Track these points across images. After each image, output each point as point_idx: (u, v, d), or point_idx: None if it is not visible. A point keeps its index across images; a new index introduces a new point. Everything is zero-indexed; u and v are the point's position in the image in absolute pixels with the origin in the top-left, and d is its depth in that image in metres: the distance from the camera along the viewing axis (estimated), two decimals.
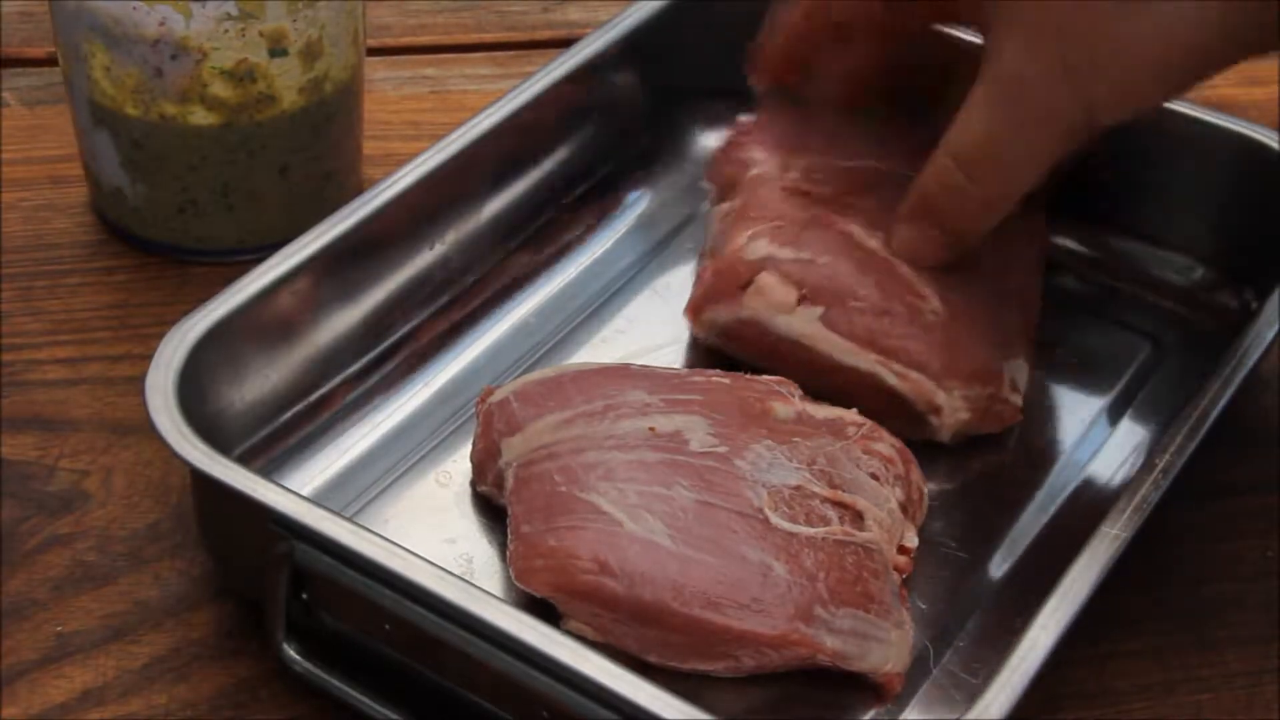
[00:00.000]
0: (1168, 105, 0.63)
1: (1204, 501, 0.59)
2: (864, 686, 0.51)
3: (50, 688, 0.51)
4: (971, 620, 0.53)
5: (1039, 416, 0.60)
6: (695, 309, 0.60)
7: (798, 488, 0.52)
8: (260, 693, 0.51)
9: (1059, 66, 0.51)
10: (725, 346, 0.60)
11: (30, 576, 0.54)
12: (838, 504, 0.52)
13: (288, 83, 0.61)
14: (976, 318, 0.58)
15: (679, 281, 0.64)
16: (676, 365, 0.61)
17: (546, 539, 0.50)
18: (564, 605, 0.50)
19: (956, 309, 0.58)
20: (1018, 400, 0.58)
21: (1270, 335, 0.57)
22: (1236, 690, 0.54)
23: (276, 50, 0.60)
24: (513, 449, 0.53)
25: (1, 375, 0.60)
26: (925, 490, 0.55)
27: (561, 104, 0.64)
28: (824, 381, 0.58)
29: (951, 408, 0.57)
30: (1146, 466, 0.51)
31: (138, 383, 0.50)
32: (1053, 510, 0.57)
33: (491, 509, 0.55)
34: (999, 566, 0.55)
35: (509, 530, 0.52)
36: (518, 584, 0.50)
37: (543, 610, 0.50)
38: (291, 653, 0.49)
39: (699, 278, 0.62)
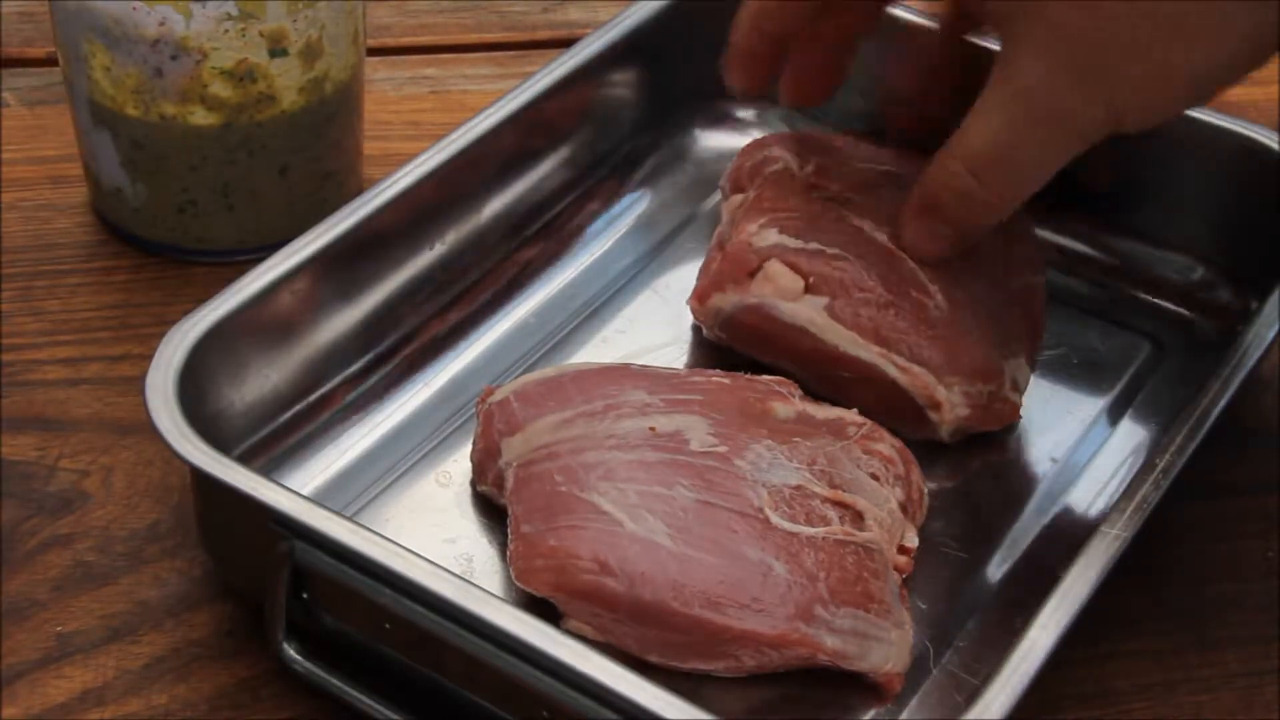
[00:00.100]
0: None
1: (1204, 501, 0.59)
2: (864, 686, 0.51)
3: (50, 688, 0.51)
4: (971, 620, 0.53)
5: (1039, 416, 0.60)
6: (702, 295, 0.60)
7: (798, 488, 0.52)
8: (260, 693, 0.51)
9: (1080, 76, 0.51)
10: (725, 339, 0.60)
11: (30, 577, 0.54)
12: (838, 504, 0.52)
13: (288, 83, 0.61)
14: (980, 315, 0.58)
15: (679, 281, 0.64)
16: (676, 365, 0.61)
17: (547, 539, 0.50)
18: (564, 605, 0.50)
19: (961, 306, 0.58)
20: (1018, 399, 0.58)
21: (1270, 335, 0.57)
22: (1237, 690, 0.54)
23: (276, 50, 0.60)
24: (513, 449, 0.53)
25: (1, 375, 0.60)
26: (925, 490, 0.55)
27: (561, 104, 0.64)
28: (825, 374, 0.58)
29: (951, 404, 0.57)
30: (1146, 466, 0.52)
31: (138, 383, 0.50)
32: (1053, 510, 0.57)
33: (492, 509, 0.55)
34: (999, 566, 0.55)
35: (509, 530, 0.52)
36: (518, 584, 0.50)
37: (543, 610, 0.50)
38: (291, 653, 0.49)
39: (705, 267, 0.62)
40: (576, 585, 0.49)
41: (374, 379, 0.59)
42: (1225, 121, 0.64)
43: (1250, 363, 0.55)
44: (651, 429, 0.53)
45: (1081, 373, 0.62)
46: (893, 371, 0.57)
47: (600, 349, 0.62)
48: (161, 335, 0.52)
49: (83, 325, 0.63)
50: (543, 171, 0.65)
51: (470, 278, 0.63)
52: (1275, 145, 0.63)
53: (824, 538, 0.51)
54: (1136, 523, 0.50)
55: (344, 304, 0.58)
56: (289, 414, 0.56)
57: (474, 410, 0.56)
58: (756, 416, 0.54)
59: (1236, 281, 0.65)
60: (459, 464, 0.56)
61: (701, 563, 0.49)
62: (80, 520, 0.56)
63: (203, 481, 0.50)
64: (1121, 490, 0.51)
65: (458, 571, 0.47)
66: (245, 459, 0.54)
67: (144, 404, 0.50)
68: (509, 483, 0.53)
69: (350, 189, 0.67)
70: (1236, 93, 0.76)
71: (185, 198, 0.64)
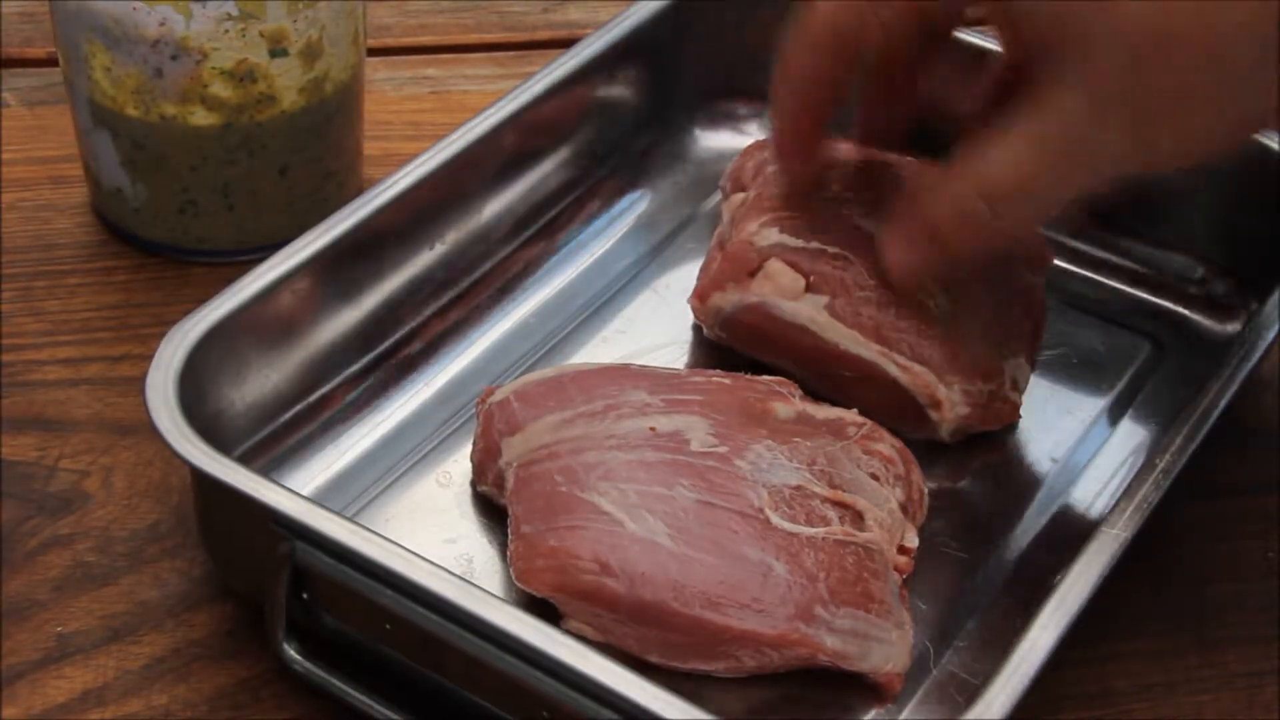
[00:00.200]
0: None
1: (1204, 501, 0.59)
2: (864, 686, 0.51)
3: (51, 688, 0.51)
4: (971, 620, 0.53)
5: (1039, 416, 0.60)
6: (702, 294, 0.60)
7: (798, 488, 0.52)
8: (261, 693, 0.51)
9: (1126, 120, 0.50)
10: (726, 339, 0.60)
11: (31, 577, 0.54)
12: (838, 504, 0.52)
13: (288, 83, 0.61)
14: (980, 314, 0.58)
15: (679, 281, 0.64)
16: (676, 365, 0.61)
17: (547, 539, 0.50)
18: (564, 605, 0.50)
19: (961, 305, 0.58)
20: (1018, 398, 0.59)
21: (1270, 335, 0.57)
22: (1237, 690, 0.54)
23: (277, 50, 0.60)
24: (513, 449, 0.53)
25: (2, 375, 0.60)
26: (925, 490, 0.55)
27: (562, 104, 0.64)
28: (825, 373, 0.58)
29: (952, 402, 0.57)
30: (1146, 466, 0.52)
31: (138, 383, 0.50)
32: (1053, 510, 0.57)
33: (492, 509, 0.55)
34: (999, 566, 0.55)
35: (509, 530, 0.52)
36: (518, 584, 0.50)
37: (543, 610, 0.50)
38: (292, 653, 0.49)
39: (705, 266, 0.62)
40: (577, 585, 0.49)
41: (374, 379, 0.59)
42: None
43: (1250, 363, 0.55)
44: (652, 429, 0.53)
45: (1081, 373, 0.62)
46: (893, 370, 0.57)
47: (600, 349, 0.62)
48: (161, 335, 0.52)
49: (83, 325, 0.63)
50: (543, 171, 0.65)
51: (470, 278, 0.63)
52: (1275, 145, 0.63)
53: (824, 538, 0.51)
54: (1136, 523, 0.50)
55: (344, 304, 0.58)
56: (289, 414, 0.56)
57: (474, 410, 0.56)
58: (756, 416, 0.54)
59: (1236, 282, 0.65)
60: (459, 464, 0.56)
61: (702, 563, 0.49)
62: (80, 520, 0.56)
63: (203, 482, 0.50)
64: (1121, 490, 0.51)
65: (458, 572, 0.47)
66: (245, 459, 0.54)
67: (144, 404, 0.50)
68: (509, 483, 0.53)
69: (350, 189, 0.67)
70: None
71: (185, 198, 0.64)
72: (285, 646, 0.49)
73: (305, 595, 0.49)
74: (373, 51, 0.75)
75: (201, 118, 0.61)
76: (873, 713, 0.51)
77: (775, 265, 0.58)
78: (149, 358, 0.51)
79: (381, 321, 0.59)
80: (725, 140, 0.71)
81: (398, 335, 0.60)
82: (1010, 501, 0.57)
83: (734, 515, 0.51)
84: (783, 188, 0.60)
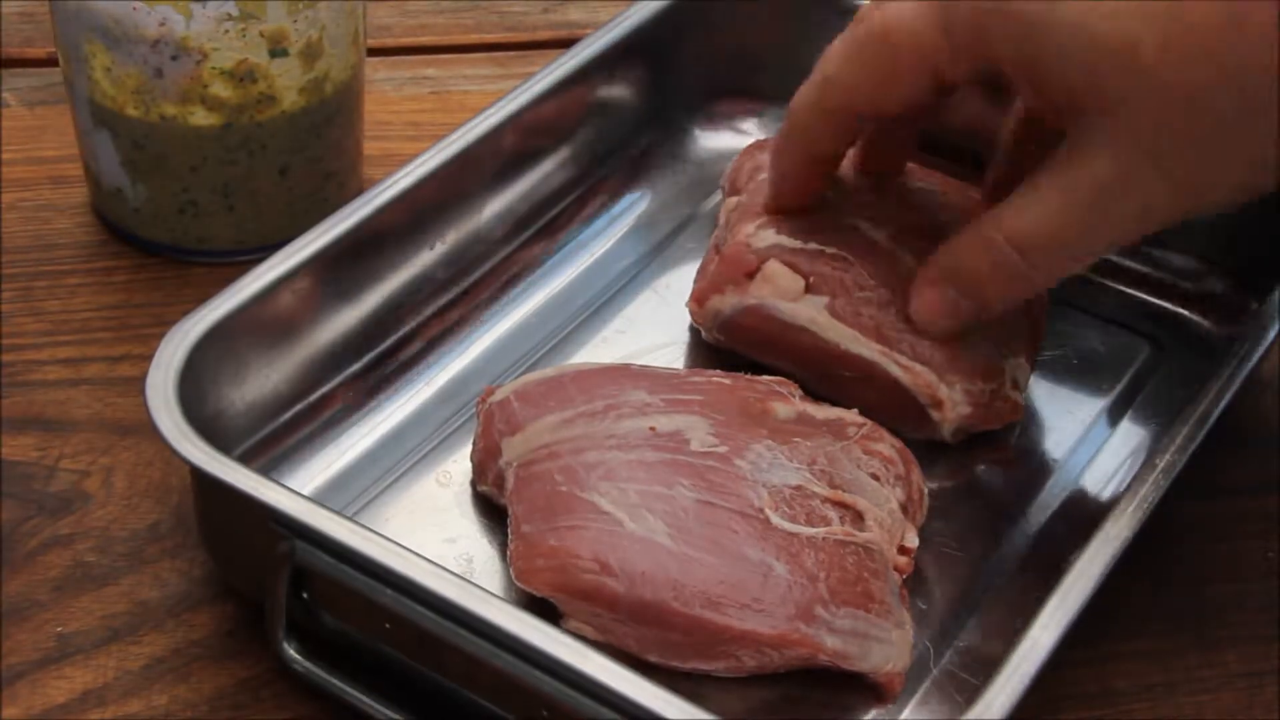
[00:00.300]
0: None
1: (1204, 501, 0.59)
2: (864, 686, 0.51)
3: (51, 688, 0.51)
4: (971, 620, 0.53)
5: (1039, 416, 0.60)
6: (701, 297, 0.60)
7: (798, 488, 0.52)
8: (261, 693, 0.51)
9: (1164, 176, 0.50)
10: (724, 341, 0.60)
11: (31, 577, 0.54)
12: (838, 504, 0.52)
13: (288, 83, 0.61)
14: None
15: (679, 281, 0.64)
16: (676, 365, 0.61)
17: (547, 538, 0.50)
18: (564, 605, 0.50)
19: None
20: (1018, 397, 0.58)
21: (1270, 335, 0.57)
22: (1237, 690, 0.54)
23: (277, 50, 0.60)
24: (513, 449, 0.53)
25: (2, 375, 0.60)
26: (925, 490, 0.55)
27: (562, 104, 0.64)
28: (825, 374, 0.58)
29: (953, 401, 0.57)
30: (1147, 466, 0.52)
31: (138, 383, 0.50)
32: (1053, 510, 0.57)
33: (492, 509, 0.55)
34: (999, 567, 0.55)
35: (509, 530, 0.52)
36: (518, 584, 0.50)
37: (543, 610, 0.50)
38: (292, 652, 0.49)
39: (702, 269, 0.62)
40: (577, 585, 0.49)
41: (374, 379, 0.59)
42: None
43: (1250, 363, 0.55)
44: (652, 429, 0.53)
45: (1081, 373, 0.62)
46: (895, 370, 0.57)
47: (600, 349, 0.62)
48: (161, 335, 0.52)
49: (83, 325, 0.63)
50: (543, 171, 0.65)
51: (470, 278, 0.63)
52: None
53: (824, 538, 0.51)
54: (1136, 523, 0.50)
55: (344, 304, 0.58)
56: (289, 414, 0.56)
57: (474, 410, 0.56)
58: (757, 416, 0.54)
59: (1236, 282, 0.65)
60: (459, 464, 0.56)
61: (702, 563, 0.49)
62: (80, 520, 0.56)
63: (203, 481, 0.50)
64: (1121, 490, 0.51)
65: (458, 571, 0.47)
66: (245, 459, 0.54)
67: (144, 404, 0.50)
68: (509, 483, 0.53)
69: (350, 189, 0.67)
70: None
71: (185, 198, 0.64)
72: (285, 646, 0.49)
73: (305, 595, 0.49)
74: (373, 51, 0.75)
75: (201, 118, 0.61)
76: (873, 713, 0.51)
77: (774, 267, 0.58)
78: (149, 358, 0.51)
79: (381, 321, 0.59)
80: (725, 140, 0.71)
81: (398, 335, 0.60)
82: (1010, 501, 0.57)
83: (734, 515, 0.51)
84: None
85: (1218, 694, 0.54)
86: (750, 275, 0.58)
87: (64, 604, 0.53)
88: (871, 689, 0.50)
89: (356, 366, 0.59)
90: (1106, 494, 0.58)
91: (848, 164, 0.61)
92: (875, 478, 0.53)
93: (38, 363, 0.61)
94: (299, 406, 0.57)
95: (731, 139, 0.71)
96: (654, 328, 0.63)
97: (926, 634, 0.52)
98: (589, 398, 0.54)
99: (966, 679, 0.51)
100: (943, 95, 0.54)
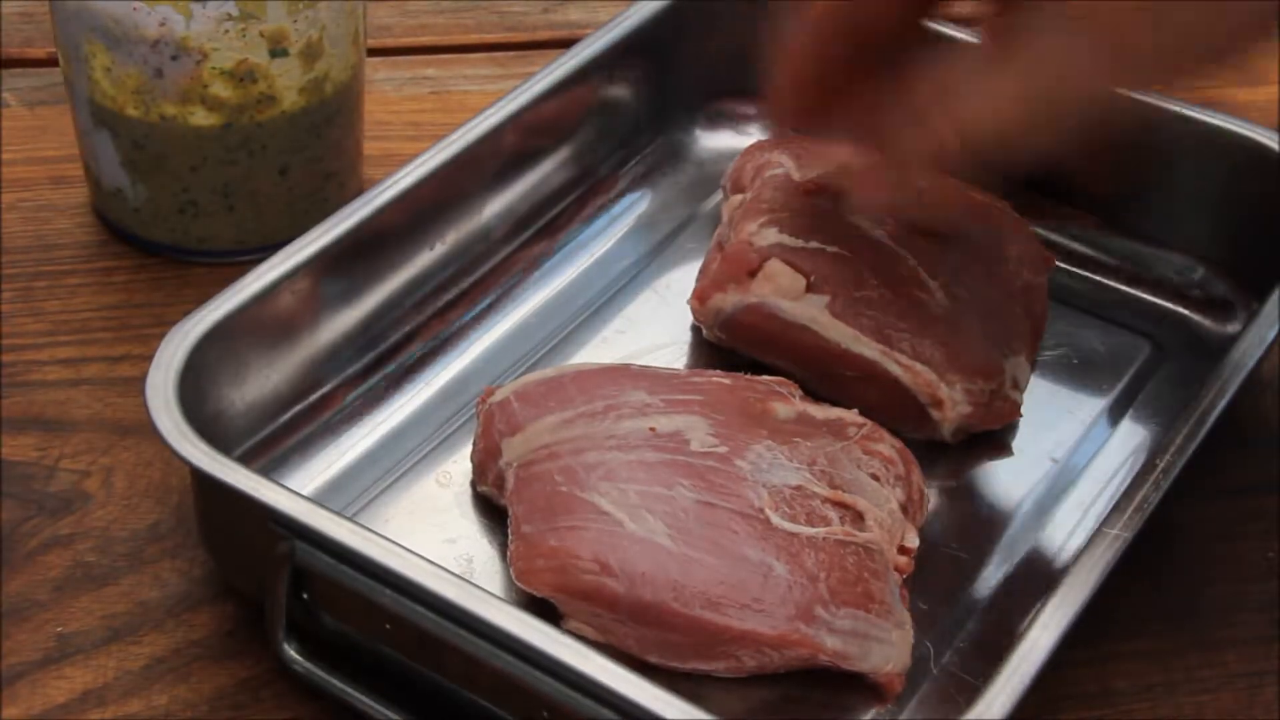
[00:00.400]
0: (1168, 105, 0.63)
1: (1204, 502, 0.59)
2: (864, 687, 0.51)
3: (51, 688, 0.51)
4: (972, 620, 0.53)
5: (1039, 416, 0.60)
6: (702, 296, 0.60)
7: (798, 488, 0.52)
8: (261, 693, 0.51)
9: (1101, 39, 0.49)
10: (725, 339, 0.60)
11: (31, 577, 0.54)
12: (838, 504, 0.52)
13: (288, 83, 0.61)
14: (980, 313, 0.58)
15: (679, 281, 0.64)
16: (676, 365, 0.61)
17: (547, 539, 0.50)
18: (565, 605, 0.50)
19: (961, 304, 0.58)
20: (1018, 397, 0.59)
21: (1270, 335, 0.57)
22: (1237, 691, 0.54)
23: (277, 51, 0.60)
24: (513, 449, 0.53)
25: (2, 375, 0.60)
26: (926, 491, 0.55)
27: (562, 104, 0.64)
28: (826, 373, 0.58)
29: (954, 401, 0.57)
30: (1146, 466, 0.52)
31: (138, 383, 0.50)
32: (1053, 510, 0.57)
33: (492, 509, 0.55)
34: (999, 566, 0.55)
35: (510, 530, 0.52)
36: (518, 584, 0.50)
37: (543, 610, 0.50)
38: (292, 653, 0.49)
39: (705, 268, 0.62)
40: (577, 586, 0.49)
41: (374, 379, 0.59)
42: (1225, 121, 0.64)
43: (1250, 363, 0.55)
44: (652, 429, 0.53)
45: (1081, 373, 0.62)
46: (895, 369, 0.57)
47: (600, 349, 0.62)
48: (161, 335, 0.52)
49: (83, 325, 0.63)
50: (543, 172, 0.65)
51: (470, 278, 0.63)
52: (1275, 145, 0.63)
53: (824, 538, 0.51)
54: (1136, 523, 0.50)
55: (344, 304, 0.58)
56: (289, 414, 0.56)
57: (474, 410, 0.56)
58: (757, 417, 0.54)
59: (1236, 282, 0.65)
60: (459, 464, 0.56)
61: (702, 563, 0.49)
62: (80, 521, 0.56)
63: (203, 482, 0.50)
64: (1121, 490, 0.51)
65: (458, 572, 0.47)
66: (245, 459, 0.54)
67: (144, 404, 0.50)
68: (509, 483, 0.53)
69: (350, 189, 0.67)
70: (1236, 93, 0.77)
71: (185, 198, 0.64)
72: (285, 646, 0.49)
73: (305, 595, 0.49)
74: (373, 51, 0.75)
75: (202, 118, 0.61)
76: (873, 713, 0.51)
77: (775, 265, 0.58)
78: (149, 358, 0.51)
79: (382, 321, 0.59)
80: (725, 140, 0.71)
81: (398, 335, 0.60)
82: (1010, 501, 0.57)
83: (734, 515, 0.51)
84: (781, 189, 0.60)
85: (1218, 694, 0.54)
86: (752, 274, 0.59)
87: (64, 604, 0.53)
88: (871, 689, 0.50)
89: (356, 367, 0.59)
90: (1106, 494, 0.58)
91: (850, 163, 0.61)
92: (875, 478, 0.53)
93: (38, 363, 0.61)
94: (299, 407, 0.57)
95: (732, 139, 0.71)
96: (654, 328, 0.63)
97: (927, 634, 0.52)
98: (589, 398, 0.54)
99: (966, 679, 0.51)
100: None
